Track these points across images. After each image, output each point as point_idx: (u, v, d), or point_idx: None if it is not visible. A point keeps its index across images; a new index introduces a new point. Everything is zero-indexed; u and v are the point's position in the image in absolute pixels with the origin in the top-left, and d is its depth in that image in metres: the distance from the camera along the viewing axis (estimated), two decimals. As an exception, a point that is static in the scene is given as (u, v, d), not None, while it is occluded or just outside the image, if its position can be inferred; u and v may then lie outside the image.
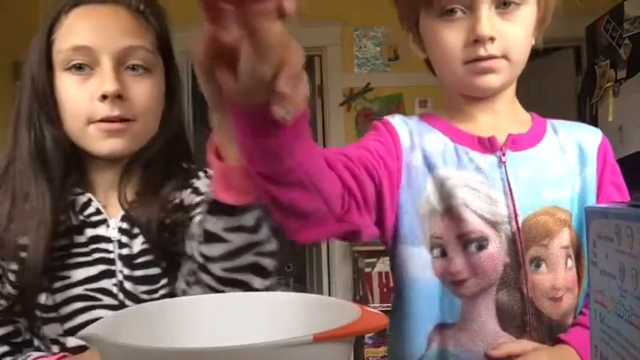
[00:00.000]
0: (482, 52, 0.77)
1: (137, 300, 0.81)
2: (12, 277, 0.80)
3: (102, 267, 0.82)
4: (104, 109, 0.80)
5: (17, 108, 0.85)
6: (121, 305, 0.82)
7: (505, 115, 0.85)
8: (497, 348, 0.76)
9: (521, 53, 0.80)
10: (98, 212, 0.85)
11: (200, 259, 0.71)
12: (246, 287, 0.70)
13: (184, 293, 0.77)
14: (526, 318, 0.77)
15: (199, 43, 0.49)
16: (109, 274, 0.82)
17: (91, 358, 0.72)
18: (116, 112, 0.81)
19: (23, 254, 0.79)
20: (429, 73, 0.89)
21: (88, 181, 0.87)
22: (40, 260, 0.78)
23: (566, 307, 0.80)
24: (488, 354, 0.76)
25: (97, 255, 0.83)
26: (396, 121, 0.85)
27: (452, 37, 0.79)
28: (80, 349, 0.77)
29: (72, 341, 0.81)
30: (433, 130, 0.85)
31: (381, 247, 0.88)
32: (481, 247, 0.77)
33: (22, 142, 0.84)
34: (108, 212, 0.85)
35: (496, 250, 0.77)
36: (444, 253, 0.79)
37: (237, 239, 0.68)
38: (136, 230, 0.83)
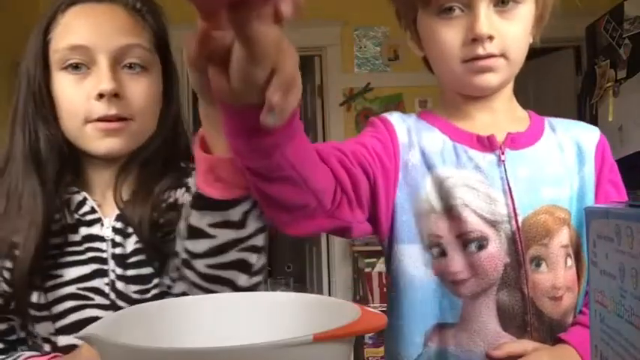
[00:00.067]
0: (480, 50, 0.77)
1: (129, 300, 0.81)
2: (6, 274, 0.80)
3: (95, 266, 0.82)
4: (101, 108, 0.80)
5: (14, 108, 0.85)
6: (113, 305, 0.81)
7: (503, 114, 0.85)
8: (498, 348, 0.75)
9: (519, 52, 0.80)
10: (93, 211, 0.85)
11: (184, 255, 0.70)
12: (231, 284, 0.69)
13: (169, 289, 0.77)
14: (527, 318, 0.77)
15: (192, 41, 0.48)
16: (102, 273, 0.82)
17: (81, 357, 0.72)
18: (113, 111, 0.80)
19: (17, 252, 0.79)
20: (429, 73, 0.89)
21: (85, 180, 0.87)
22: (29, 260, 0.78)
23: (566, 307, 0.80)
24: (489, 354, 0.76)
25: (90, 254, 0.83)
26: (394, 118, 0.85)
27: (450, 35, 0.78)
28: (71, 348, 0.77)
29: (63, 340, 0.81)
30: (432, 129, 0.84)
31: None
32: (481, 246, 0.77)
33: (17, 142, 0.84)
34: (103, 211, 0.85)
35: (496, 249, 0.77)
36: (443, 253, 0.79)
37: (223, 235, 0.67)
38: (130, 229, 0.83)
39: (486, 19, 0.76)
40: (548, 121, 0.88)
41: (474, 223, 0.77)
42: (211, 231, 0.67)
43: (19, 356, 0.80)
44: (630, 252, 0.40)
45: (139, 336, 0.49)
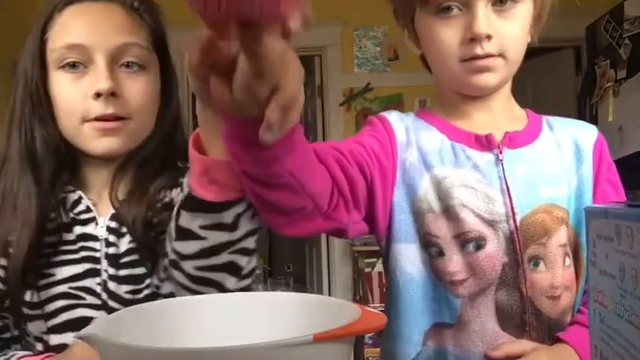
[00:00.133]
0: (478, 50, 0.77)
1: (120, 300, 0.81)
2: (1, 272, 0.81)
3: (87, 265, 0.82)
4: (98, 107, 0.80)
5: (11, 108, 0.85)
6: (104, 305, 0.81)
7: (501, 113, 0.85)
8: (496, 349, 0.75)
9: (517, 51, 0.80)
10: (88, 210, 0.84)
11: (172, 256, 0.69)
12: (219, 287, 0.69)
13: (158, 289, 0.77)
14: (525, 317, 0.77)
15: (195, 48, 0.47)
16: (94, 272, 0.82)
17: (74, 356, 0.71)
18: (110, 110, 0.80)
19: (11, 250, 0.80)
20: (429, 73, 0.89)
21: (82, 179, 0.87)
22: (22, 258, 0.78)
23: (565, 306, 0.80)
24: (487, 355, 0.76)
25: (83, 253, 0.83)
26: (392, 117, 0.85)
27: (448, 34, 0.78)
28: (62, 348, 0.77)
29: (55, 339, 0.81)
30: (430, 128, 0.84)
31: (381, 247, 0.88)
32: (479, 246, 0.77)
33: (13, 143, 0.84)
34: (99, 210, 0.85)
35: (494, 249, 0.77)
36: (440, 253, 0.78)
37: (214, 237, 0.66)
38: (124, 229, 0.83)
39: (485, 18, 0.76)
40: (546, 120, 0.88)
41: (472, 223, 0.77)
42: (202, 233, 0.65)
43: (12, 356, 0.80)
44: (630, 252, 0.40)
45: (139, 336, 0.49)
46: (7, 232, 0.80)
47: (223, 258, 0.67)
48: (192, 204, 0.65)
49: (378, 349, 3.09)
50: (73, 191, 0.85)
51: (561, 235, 0.80)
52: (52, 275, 0.82)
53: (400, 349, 0.81)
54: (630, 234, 0.40)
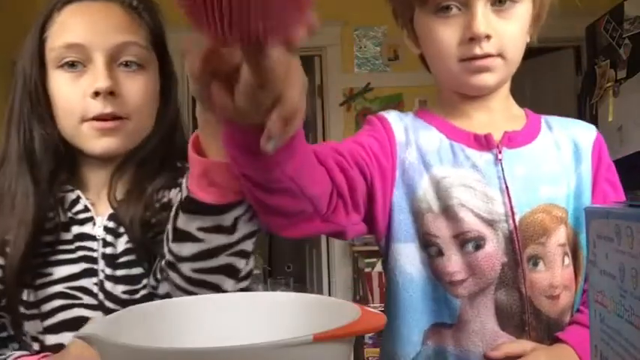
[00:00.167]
0: (477, 50, 0.77)
1: (117, 300, 0.81)
2: None
3: (84, 265, 0.82)
4: (97, 107, 0.80)
5: (10, 107, 0.85)
6: (100, 305, 0.81)
7: (500, 113, 0.85)
8: (496, 349, 0.75)
9: (516, 51, 0.80)
10: (86, 209, 0.84)
11: (169, 257, 0.69)
12: (217, 289, 0.68)
13: (154, 290, 0.77)
14: (525, 317, 0.77)
15: (196, 55, 0.46)
16: (91, 272, 0.82)
17: (70, 356, 0.71)
18: (109, 109, 0.80)
19: (8, 249, 0.80)
20: (429, 73, 0.89)
21: (80, 178, 0.87)
22: (18, 258, 0.78)
23: (564, 305, 0.80)
24: (487, 355, 0.76)
25: (81, 253, 0.82)
26: (391, 116, 0.85)
27: (447, 34, 0.78)
28: (58, 347, 0.77)
29: (51, 339, 0.80)
30: (429, 127, 0.84)
31: (381, 247, 0.88)
32: (478, 246, 0.77)
33: (12, 143, 0.84)
34: (97, 210, 0.85)
35: (493, 249, 0.77)
36: (440, 253, 0.78)
37: (212, 240, 0.65)
38: (122, 229, 0.83)
39: (484, 18, 0.76)
40: (545, 120, 0.88)
41: (471, 223, 0.77)
42: (200, 235, 0.65)
43: (9, 356, 0.80)
44: (630, 252, 0.40)
45: (139, 336, 0.49)
46: (5, 231, 0.80)
47: (221, 260, 0.66)
48: (191, 206, 0.64)
49: (378, 349, 3.08)
50: (72, 191, 0.85)
51: (560, 235, 0.80)
52: (49, 275, 0.81)
53: (399, 348, 0.81)
54: (630, 234, 0.40)
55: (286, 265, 5.02)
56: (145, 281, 0.81)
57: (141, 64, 0.84)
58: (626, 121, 2.72)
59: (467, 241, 0.77)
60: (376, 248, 0.86)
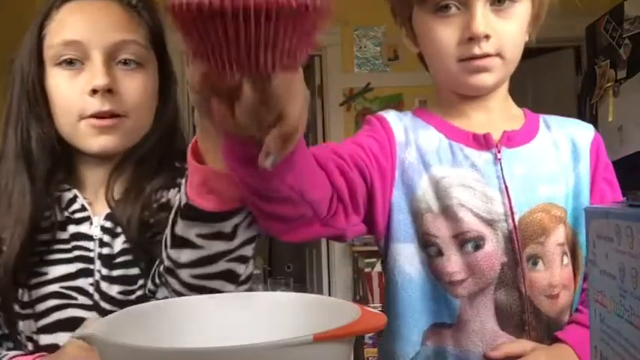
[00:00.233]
0: (476, 50, 0.76)
1: (112, 301, 0.80)
2: None
3: (80, 265, 0.81)
4: (94, 104, 0.79)
5: (8, 106, 0.85)
6: (96, 305, 0.81)
7: (498, 113, 0.85)
8: (496, 349, 0.75)
9: (515, 51, 0.80)
10: (83, 209, 0.84)
11: (168, 263, 0.67)
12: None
13: (154, 295, 0.76)
14: (524, 317, 0.77)
15: (196, 72, 0.46)
16: (87, 272, 0.81)
17: (66, 356, 0.71)
18: (106, 107, 0.80)
19: (4, 248, 0.79)
20: (429, 73, 0.89)
21: (78, 177, 0.87)
22: (13, 257, 0.78)
23: (563, 305, 0.80)
24: (487, 355, 0.76)
25: (77, 252, 0.82)
26: (390, 116, 0.85)
27: (446, 34, 0.78)
28: (53, 348, 0.77)
29: (45, 339, 0.80)
30: (427, 127, 0.84)
31: (381, 247, 0.88)
32: (478, 246, 0.77)
33: (9, 141, 0.84)
34: (94, 209, 0.84)
35: (493, 249, 0.77)
36: (439, 253, 0.78)
37: (212, 246, 0.63)
38: (119, 229, 0.82)
39: (483, 17, 0.76)
40: (543, 119, 0.88)
41: (471, 223, 0.77)
42: (199, 242, 0.63)
43: (4, 356, 0.79)
44: (630, 252, 0.40)
45: (139, 336, 0.49)
46: (1, 230, 0.80)
47: (220, 266, 0.65)
48: (190, 213, 0.62)
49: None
50: (69, 190, 0.85)
51: (559, 234, 0.80)
52: (44, 274, 0.81)
53: (399, 348, 0.81)
54: (630, 234, 0.40)
55: (286, 265, 5.01)
56: (141, 282, 0.81)
57: (139, 63, 0.84)
58: (626, 121, 2.72)
59: (466, 241, 0.77)
60: (376, 248, 0.86)
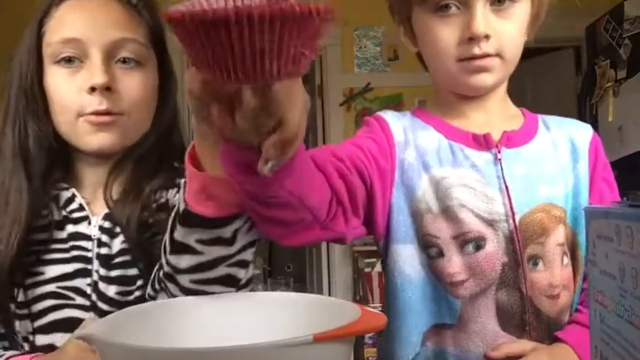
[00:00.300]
0: (476, 50, 0.76)
1: (110, 301, 0.80)
2: None
3: (78, 265, 0.81)
4: (93, 102, 0.79)
5: (6, 104, 0.85)
6: (93, 306, 0.80)
7: (497, 113, 0.85)
8: (496, 349, 0.75)
9: (514, 51, 0.80)
10: (81, 208, 0.83)
11: (167, 269, 0.66)
12: None
13: (152, 299, 0.75)
14: (525, 317, 0.77)
15: (196, 81, 0.46)
16: (85, 273, 0.81)
17: (67, 355, 0.70)
18: (104, 106, 0.79)
19: (1, 247, 0.79)
20: (429, 73, 0.89)
21: (76, 176, 0.86)
22: (8, 257, 0.78)
23: (563, 305, 0.80)
24: (487, 355, 0.76)
25: (75, 252, 0.82)
26: (389, 117, 0.85)
27: (446, 33, 0.78)
28: (49, 348, 0.76)
29: (41, 339, 0.80)
30: (427, 127, 0.84)
31: (382, 247, 0.87)
32: (479, 247, 0.77)
33: (7, 139, 0.84)
34: (92, 209, 0.84)
35: (494, 249, 0.77)
36: (440, 254, 0.78)
37: (212, 252, 0.62)
38: (118, 229, 0.82)
39: (483, 18, 0.76)
40: (542, 119, 0.88)
41: (472, 224, 0.77)
42: (199, 247, 0.62)
43: (0, 356, 0.79)
44: (630, 252, 0.40)
45: (139, 336, 0.49)
46: None
47: (221, 271, 0.64)
48: (189, 220, 0.61)
49: (378, 349, 3.09)
50: (67, 189, 0.84)
51: (559, 234, 0.80)
52: (41, 274, 0.81)
53: (398, 350, 0.81)
54: (630, 234, 0.40)
55: (286, 265, 5.01)
56: (139, 282, 0.81)
57: (139, 62, 0.83)
58: (626, 121, 2.72)
59: (467, 242, 0.77)
60: (376, 248, 0.86)
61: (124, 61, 0.82)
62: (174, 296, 0.67)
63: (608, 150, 0.89)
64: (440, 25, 0.78)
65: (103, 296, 0.80)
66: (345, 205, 0.71)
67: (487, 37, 0.76)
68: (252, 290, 0.72)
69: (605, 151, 0.88)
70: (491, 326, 0.77)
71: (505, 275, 0.77)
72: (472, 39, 0.76)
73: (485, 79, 0.79)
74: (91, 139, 0.81)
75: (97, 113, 0.80)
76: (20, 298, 0.80)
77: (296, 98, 0.47)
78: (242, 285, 0.68)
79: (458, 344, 0.78)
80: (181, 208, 0.62)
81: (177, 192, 0.83)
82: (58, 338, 0.79)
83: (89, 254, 0.82)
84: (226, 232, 0.62)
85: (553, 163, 0.83)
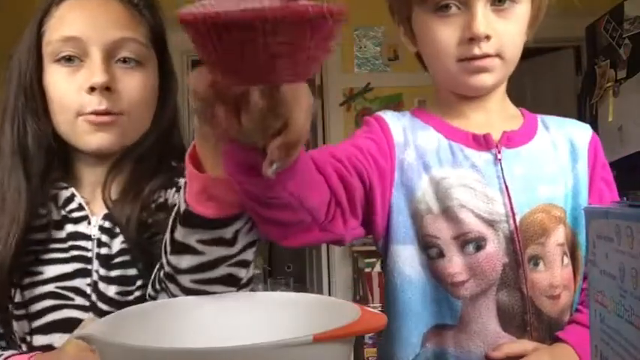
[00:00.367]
0: (476, 50, 0.76)
1: (110, 302, 0.80)
2: None
3: (78, 265, 0.81)
4: (92, 102, 0.79)
5: (5, 102, 0.85)
6: (93, 306, 0.80)
7: (496, 113, 0.85)
8: (497, 349, 0.75)
9: (514, 51, 0.80)
10: (81, 208, 0.83)
11: (168, 269, 0.66)
12: None
13: (153, 299, 0.75)
14: (526, 317, 0.77)
15: (202, 82, 0.45)
16: (84, 273, 0.81)
17: (66, 355, 0.70)
18: (104, 106, 0.79)
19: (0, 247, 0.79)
20: (428, 73, 0.89)
21: (75, 176, 0.86)
22: (7, 257, 0.77)
23: (563, 305, 0.80)
24: (488, 356, 0.75)
25: (74, 252, 0.81)
26: (388, 116, 0.85)
27: (446, 33, 0.78)
28: (47, 349, 0.76)
29: (39, 340, 0.79)
30: (426, 127, 0.84)
31: (382, 247, 0.87)
32: (479, 247, 0.77)
33: (5, 138, 0.83)
34: (92, 209, 0.84)
35: (494, 249, 0.77)
36: (440, 254, 0.78)
37: (213, 252, 0.62)
38: (118, 229, 0.82)
39: (484, 18, 0.76)
40: (541, 119, 0.88)
41: (472, 224, 0.77)
42: (200, 247, 0.62)
43: None
44: (630, 252, 0.40)
45: (139, 336, 0.49)
46: None
47: (221, 271, 0.64)
48: (190, 220, 0.61)
49: (378, 349, 3.09)
50: (66, 188, 0.84)
51: (559, 235, 0.80)
52: (39, 274, 0.80)
53: (398, 350, 0.81)
54: (630, 234, 0.40)
55: (286, 265, 5.01)
56: (139, 282, 0.81)
57: (139, 61, 0.83)
58: (626, 121, 2.72)
59: (467, 242, 0.77)
60: (376, 248, 0.86)
61: (124, 60, 0.82)
62: (174, 296, 0.67)
63: (608, 150, 0.89)
64: (440, 25, 0.78)
65: (102, 296, 0.80)
66: (344, 206, 0.71)
67: (488, 37, 0.76)
68: (252, 290, 0.72)
69: (605, 151, 0.88)
70: (492, 327, 0.77)
71: (506, 276, 0.77)
72: (472, 39, 0.76)
73: (485, 80, 0.79)
74: (91, 138, 0.81)
75: (96, 113, 0.79)
76: (17, 298, 0.80)
77: (302, 99, 0.47)
78: (243, 284, 0.68)
79: (458, 345, 0.78)
80: (182, 208, 0.61)
81: (177, 191, 0.83)
82: (56, 339, 0.78)
83: (89, 254, 0.81)
84: (227, 232, 0.62)
85: (553, 163, 0.83)
